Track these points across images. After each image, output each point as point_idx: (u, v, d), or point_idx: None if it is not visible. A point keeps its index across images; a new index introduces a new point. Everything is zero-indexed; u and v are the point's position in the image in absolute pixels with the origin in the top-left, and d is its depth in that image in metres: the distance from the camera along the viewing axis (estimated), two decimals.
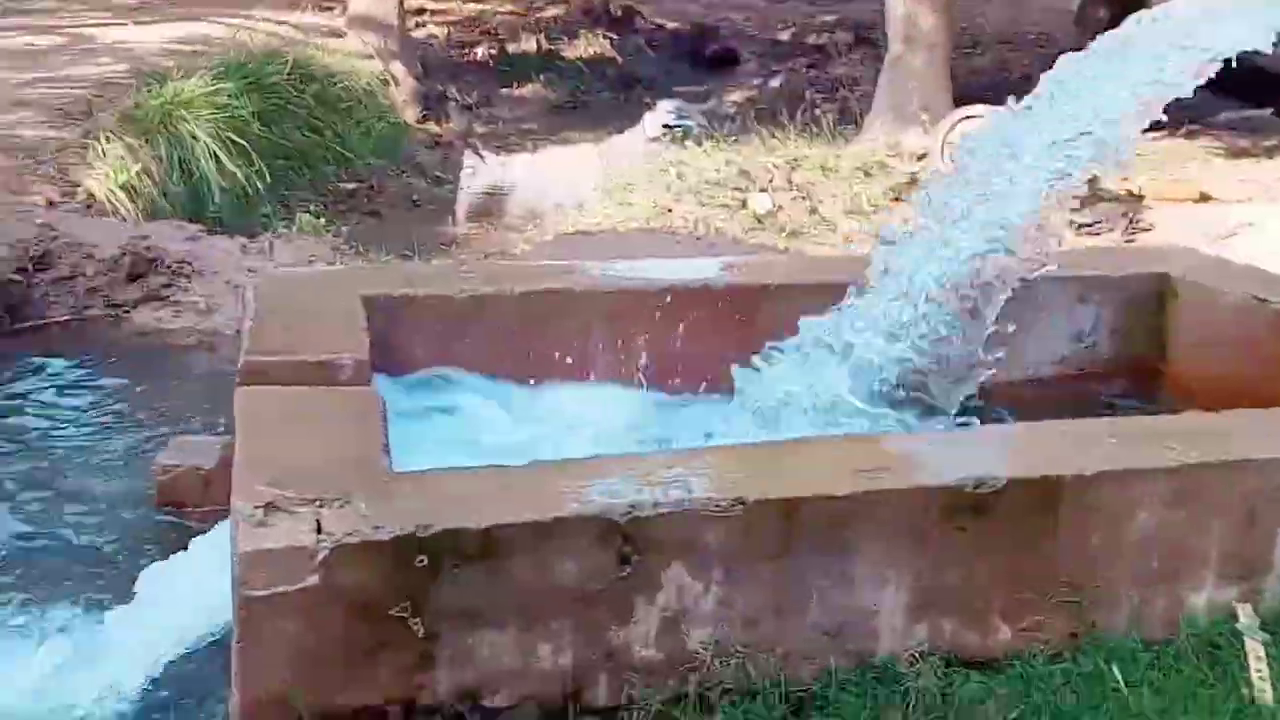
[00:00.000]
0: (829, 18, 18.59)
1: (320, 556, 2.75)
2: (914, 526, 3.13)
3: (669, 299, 4.67)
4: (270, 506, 2.87)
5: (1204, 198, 10.62)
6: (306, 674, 2.78)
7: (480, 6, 19.04)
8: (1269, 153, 12.44)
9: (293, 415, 3.48)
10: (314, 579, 2.75)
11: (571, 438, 4.25)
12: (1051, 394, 4.88)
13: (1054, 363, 5.00)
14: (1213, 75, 3.98)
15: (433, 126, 14.10)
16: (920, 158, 11.14)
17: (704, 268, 5.02)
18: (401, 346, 4.37)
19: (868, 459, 3.27)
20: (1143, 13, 4.09)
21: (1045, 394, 4.86)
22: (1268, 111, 13.88)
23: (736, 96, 15.57)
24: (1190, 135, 12.27)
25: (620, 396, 4.57)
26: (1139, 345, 5.10)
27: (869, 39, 16.53)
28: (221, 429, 4.59)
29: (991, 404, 4.42)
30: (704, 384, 4.64)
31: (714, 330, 4.66)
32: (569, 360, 4.57)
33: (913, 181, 10.62)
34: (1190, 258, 5.40)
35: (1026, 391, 4.74)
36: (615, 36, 18.48)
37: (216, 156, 9.15)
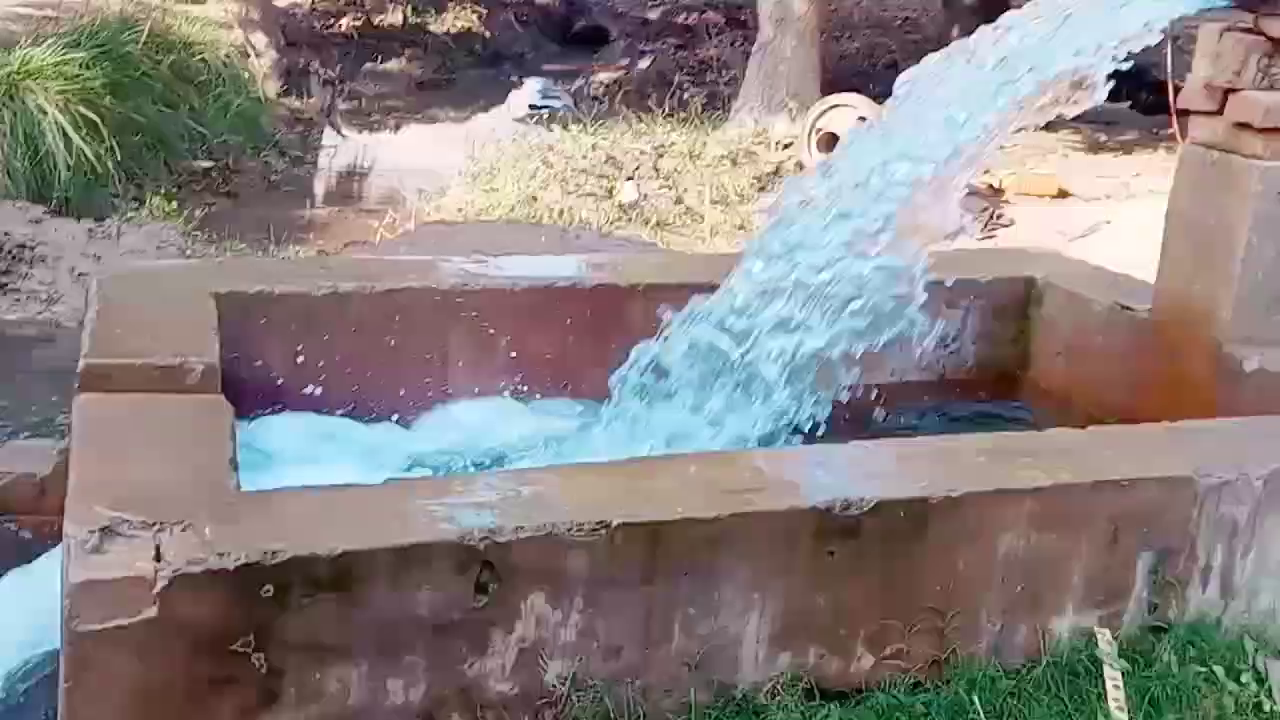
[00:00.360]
0: None
1: (159, 587, 2.59)
2: (783, 551, 3.05)
3: (536, 298, 4.57)
4: (106, 531, 2.70)
5: (1062, 194, 10.77)
6: (140, 715, 2.62)
7: None
8: (1126, 148, 12.66)
9: (134, 426, 3.30)
10: (151, 611, 2.59)
11: (433, 446, 4.13)
12: (916, 401, 4.87)
13: (919, 368, 4.97)
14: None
15: (294, 102, 13.77)
16: (786, 146, 11.12)
17: (571, 266, 4.93)
18: (256, 348, 4.21)
19: (736, 479, 3.18)
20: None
21: (910, 400, 4.84)
22: (1126, 105, 14.10)
23: (604, 77, 15.44)
24: (1050, 128, 12.41)
25: (485, 400, 4.45)
26: (1003, 351, 5.10)
27: (740, 20, 16.51)
28: (62, 430, 4.38)
29: (857, 409, 4.38)
30: (570, 387, 4.55)
31: (582, 331, 4.58)
32: (432, 361, 4.45)
33: (778, 171, 10.61)
34: (1056, 262, 5.42)
35: (892, 397, 4.71)
36: (483, 10, 18.24)
37: (64, 131, 8.77)
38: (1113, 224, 9.93)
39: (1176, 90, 9.26)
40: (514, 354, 4.52)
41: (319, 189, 11.16)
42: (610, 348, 4.46)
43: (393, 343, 4.37)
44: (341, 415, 4.23)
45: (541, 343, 4.55)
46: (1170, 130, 11.35)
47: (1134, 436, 3.68)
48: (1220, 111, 4.27)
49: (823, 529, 3.08)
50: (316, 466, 3.75)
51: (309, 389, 4.24)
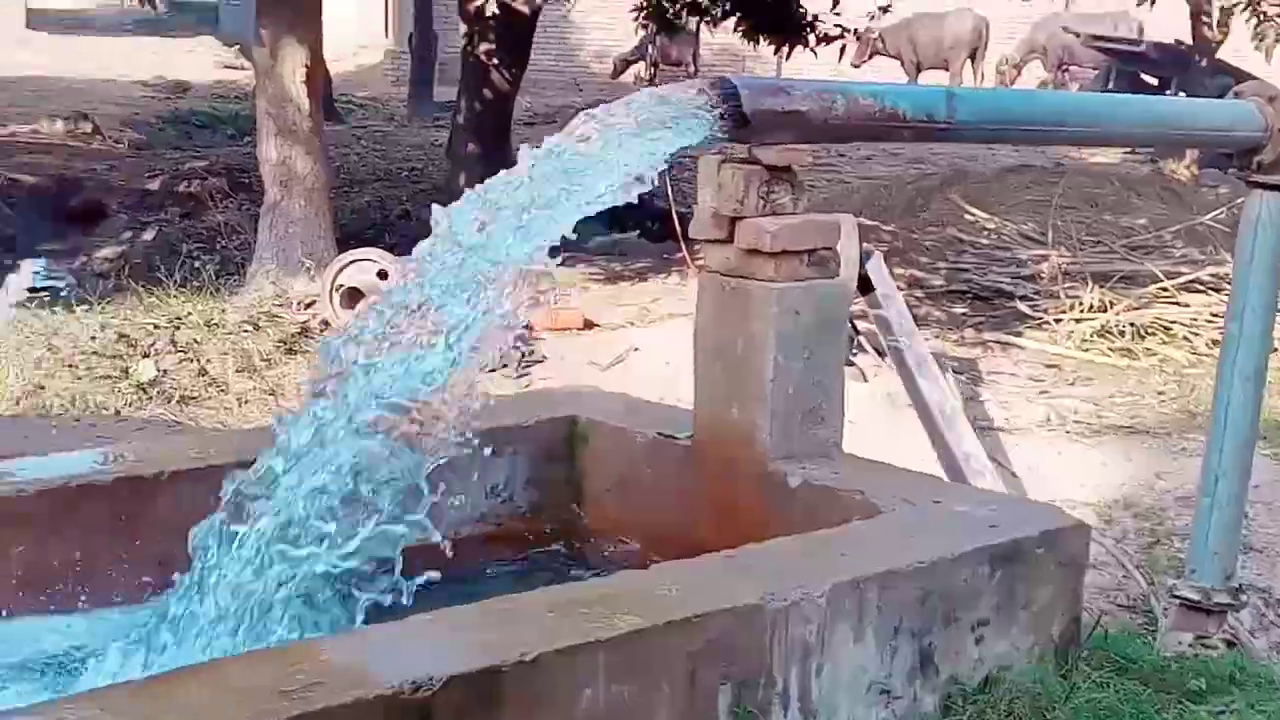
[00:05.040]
0: (199, 163, 17.99)
1: None
2: None
3: (46, 502, 4.16)
4: None
5: (589, 325, 10.99)
6: None
7: None
8: (641, 275, 13.09)
9: None
10: None
11: None
12: (477, 554, 4.72)
13: (474, 521, 4.85)
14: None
15: None
16: (309, 305, 10.89)
17: (83, 461, 4.52)
18: None
19: (295, 675, 2.92)
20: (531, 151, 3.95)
21: (471, 555, 4.69)
22: (634, 235, 14.66)
23: (108, 252, 14.70)
24: (567, 263, 12.68)
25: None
26: (555, 493, 5.04)
27: (244, 184, 16.15)
28: None
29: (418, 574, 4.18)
30: (92, 596, 4.16)
31: (103, 532, 4.20)
32: None
33: (304, 331, 10.36)
34: (595, 398, 5.42)
35: (453, 555, 4.55)
36: None
37: None
38: (640, 350, 10.20)
39: (680, 217, 9.72)
40: (28, 565, 4.09)
41: None
42: (138, 545, 4.14)
43: None
44: None
45: (59, 549, 4.14)
46: (679, 255, 11.85)
47: (697, 570, 3.64)
48: (730, 239, 4.36)
49: (393, 715, 2.87)
50: None
51: None
